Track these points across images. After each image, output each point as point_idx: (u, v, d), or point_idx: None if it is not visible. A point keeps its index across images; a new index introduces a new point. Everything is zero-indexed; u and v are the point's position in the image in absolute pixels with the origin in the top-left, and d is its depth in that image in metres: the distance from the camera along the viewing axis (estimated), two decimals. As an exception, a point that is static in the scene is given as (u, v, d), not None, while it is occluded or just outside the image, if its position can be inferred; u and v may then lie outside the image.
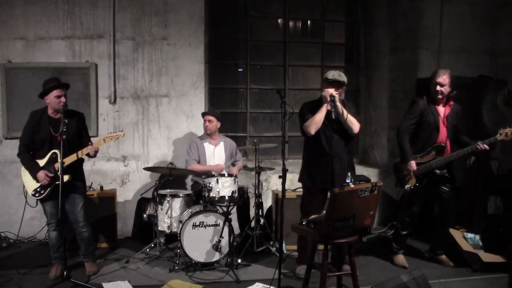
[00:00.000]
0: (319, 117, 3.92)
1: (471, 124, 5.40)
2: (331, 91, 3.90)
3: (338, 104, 3.89)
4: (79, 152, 3.89)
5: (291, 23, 6.22)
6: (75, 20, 5.26)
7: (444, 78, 4.12)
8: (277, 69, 6.17)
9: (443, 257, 4.45)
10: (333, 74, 3.93)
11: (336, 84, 3.93)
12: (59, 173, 3.70)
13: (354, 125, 3.96)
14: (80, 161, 4.05)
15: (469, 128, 5.36)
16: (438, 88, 4.13)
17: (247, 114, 6.07)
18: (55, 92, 3.86)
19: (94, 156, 4.01)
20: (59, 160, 3.75)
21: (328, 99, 3.88)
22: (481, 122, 5.52)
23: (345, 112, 3.89)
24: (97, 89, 5.32)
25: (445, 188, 4.29)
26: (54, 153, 3.88)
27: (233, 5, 6.04)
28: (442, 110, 4.22)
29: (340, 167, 3.96)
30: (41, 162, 3.92)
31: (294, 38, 6.19)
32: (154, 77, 5.44)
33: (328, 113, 3.91)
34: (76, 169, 4.00)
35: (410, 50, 5.90)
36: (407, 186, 4.27)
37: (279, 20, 6.18)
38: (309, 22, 6.37)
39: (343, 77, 3.95)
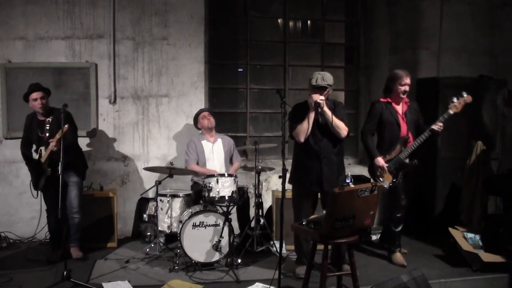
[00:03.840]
0: (307, 124, 3.92)
1: (471, 124, 5.39)
2: (316, 97, 3.85)
3: (325, 109, 3.87)
4: (48, 149, 4.16)
5: (291, 23, 6.22)
6: (75, 20, 5.25)
7: (409, 79, 4.35)
8: (277, 69, 6.17)
9: (397, 254, 4.46)
10: (316, 79, 3.89)
11: (320, 88, 3.90)
12: (59, 171, 3.93)
13: (341, 129, 3.94)
14: (67, 153, 3.98)
15: (469, 127, 5.37)
16: (407, 88, 4.34)
17: (247, 114, 6.07)
18: (33, 95, 4.27)
19: (56, 149, 4.05)
20: (42, 154, 4.24)
21: (313, 105, 3.87)
22: (481, 122, 5.52)
23: (330, 116, 3.87)
24: (97, 89, 5.32)
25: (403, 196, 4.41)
26: (41, 149, 4.29)
27: (233, 5, 6.03)
28: (399, 108, 4.43)
29: (328, 169, 3.97)
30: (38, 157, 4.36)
31: (294, 38, 6.19)
32: (154, 77, 5.44)
33: (316, 118, 3.92)
34: (60, 161, 3.93)
35: (410, 50, 5.90)
36: (385, 185, 4.32)
37: (279, 20, 6.18)
38: (309, 22, 6.36)
39: (327, 80, 3.90)
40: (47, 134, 4.15)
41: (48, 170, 4.27)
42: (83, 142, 5.18)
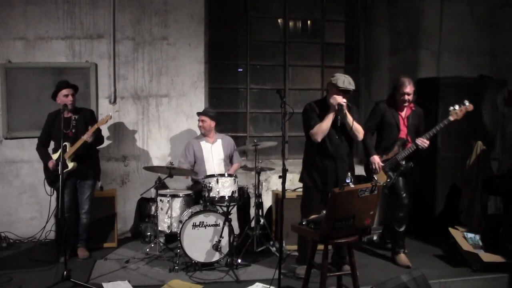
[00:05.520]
0: (326, 125, 3.90)
1: (471, 124, 5.39)
2: (339, 99, 3.83)
3: (346, 112, 3.87)
4: (79, 141, 4.29)
5: (291, 23, 6.22)
6: (75, 20, 5.25)
7: (411, 88, 4.34)
8: (277, 69, 6.17)
9: (401, 255, 4.43)
10: (343, 81, 3.84)
11: (345, 91, 3.87)
12: (68, 166, 4.30)
13: (359, 132, 3.98)
14: (89, 151, 4.46)
15: (469, 127, 5.37)
16: (406, 97, 4.35)
17: (247, 114, 6.07)
18: (64, 92, 4.38)
19: (91, 140, 4.33)
20: (67, 150, 4.31)
21: (336, 107, 3.85)
22: (481, 122, 5.52)
23: (351, 120, 3.88)
24: (97, 89, 5.32)
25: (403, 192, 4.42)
26: (65, 145, 4.30)
27: (233, 5, 6.03)
28: (403, 112, 4.46)
29: (343, 170, 3.97)
30: (57, 154, 4.41)
31: (294, 38, 6.19)
32: (154, 77, 5.44)
33: (334, 119, 3.92)
34: (84, 158, 4.41)
35: (410, 50, 5.90)
36: (379, 182, 4.32)
37: (279, 20, 6.18)
38: (309, 22, 6.36)
39: (353, 85, 3.90)
40: (73, 131, 4.35)
41: (72, 164, 4.34)
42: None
